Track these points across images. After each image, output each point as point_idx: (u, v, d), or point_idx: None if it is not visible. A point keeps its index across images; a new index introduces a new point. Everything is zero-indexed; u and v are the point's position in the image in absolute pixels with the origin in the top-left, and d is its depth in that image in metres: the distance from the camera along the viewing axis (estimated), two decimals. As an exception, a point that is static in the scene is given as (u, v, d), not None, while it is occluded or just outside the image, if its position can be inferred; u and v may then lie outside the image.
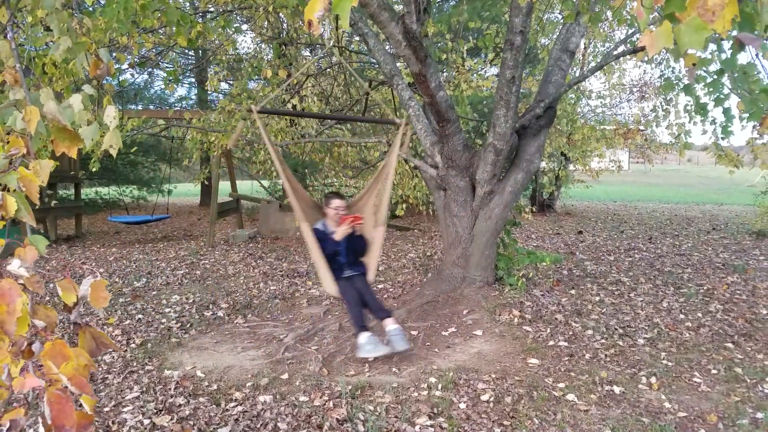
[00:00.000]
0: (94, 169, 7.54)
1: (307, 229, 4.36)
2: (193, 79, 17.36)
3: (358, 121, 6.15)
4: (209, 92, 15.32)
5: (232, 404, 3.56)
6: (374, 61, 6.52)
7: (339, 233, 4.40)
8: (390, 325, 4.30)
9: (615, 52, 5.95)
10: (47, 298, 5.89)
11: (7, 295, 1.33)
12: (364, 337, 4.20)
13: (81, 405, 1.32)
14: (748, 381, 3.80)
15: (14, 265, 1.43)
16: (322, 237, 4.43)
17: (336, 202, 4.56)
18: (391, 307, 4.78)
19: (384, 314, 4.39)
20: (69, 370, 1.31)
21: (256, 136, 8.11)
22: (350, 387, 3.70)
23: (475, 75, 8.69)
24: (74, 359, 1.34)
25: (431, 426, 3.23)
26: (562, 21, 6.27)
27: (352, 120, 6.12)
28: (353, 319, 4.36)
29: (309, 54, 11.19)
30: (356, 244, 4.58)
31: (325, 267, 4.33)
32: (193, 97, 17.88)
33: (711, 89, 3.60)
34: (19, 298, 1.33)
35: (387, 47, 5.87)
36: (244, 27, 11.09)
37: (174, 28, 4.99)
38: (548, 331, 4.73)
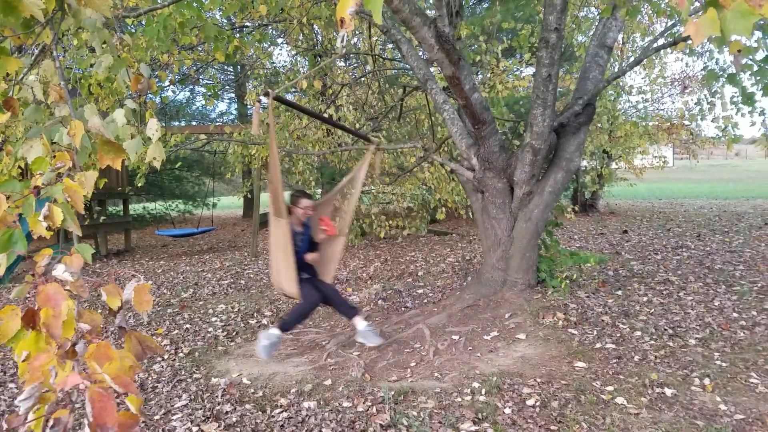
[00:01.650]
0: (140, 185, 7.76)
1: (285, 225, 4.28)
2: (232, 94, 17.72)
3: (346, 131, 6.28)
4: (248, 106, 15.59)
5: (278, 410, 3.60)
6: (408, 66, 6.53)
7: (319, 235, 4.55)
8: (360, 323, 4.50)
9: (654, 45, 5.81)
10: (97, 309, 6.08)
11: (53, 299, 1.36)
12: (273, 335, 4.44)
13: (127, 406, 1.35)
14: (809, 381, 3.63)
15: (59, 270, 1.48)
16: (293, 235, 4.46)
17: (305, 202, 4.59)
18: (356, 308, 4.81)
19: (353, 312, 4.58)
20: (113, 370, 1.32)
21: (295, 146, 8.22)
22: (393, 392, 3.69)
23: (510, 75, 8.61)
24: (118, 360, 1.36)
25: (476, 431, 3.19)
26: (598, 17, 6.16)
27: (343, 129, 6.24)
28: (292, 318, 4.51)
29: (343, 64, 11.29)
30: (312, 248, 4.71)
31: (294, 266, 4.30)
32: (233, 111, 18.25)
33: (758, 78, 3.48)
34: (65, 301, 1.37)
35: (420, 52, 5.87)
36: (280, 40, 11.26)
37: (212, 44, 5.11)
38: (594, 333, 4.63)
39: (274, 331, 4.48)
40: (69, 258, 1.52)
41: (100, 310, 6.08)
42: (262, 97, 3.72)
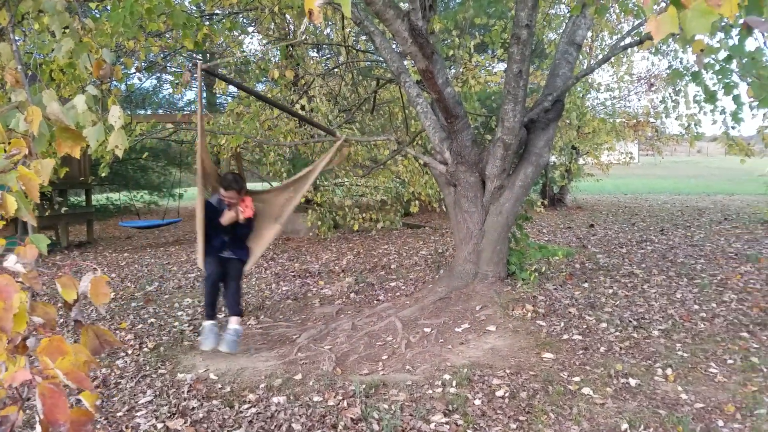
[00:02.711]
0: (104, 175, 7.58)
1: (200, 201, 4.26)
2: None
3: (306, 121, 6.24)
4: (217, 95, 15.36)
5: (246, 406, 3.57)
6: (381, 59, 6.51)
7: (225, 218, 4.45)
8: (233, 324, 4.43)
9: (622, 44, 5.90)
10: (53, 301, 5.93)
11: (4, 291, 1.28)
12: (206, 327, 4.42)
13: (78, 402, 1.30)
14: (765, 370, 3.75)
15: (11, 261, 1.42)
16: (212, 211, 4.44)
17: (224, 193, 4.44)
18: (241, 309, 4.80)
19: (234, 311, 4.52)
20: (66, 365, 1.27)
21: (266, 137, 8.13)
22: (364, 386, 3.69)
23: (482, 70, 8.65)
24: (72, 355, 1.30)
25: (446, 423, 3.21)
26: (568, 14, 6.23)
27: (299, 117, 6.18)
28: (204, 301, 4.52)
29: (316, 54, 11.21)
30: (240, 230, 4.61)
31: (203, 240, 4.29)
32: (202, 100, 17.93)
33: (720, 77, 3.56)
34: (16, 293, 1.31)
35: (394, 45, 5.86)
36: (251, 29, 11.11)
37: (180, 32, 5.00)
38: (562, 325, 4.70)
39: (205, 326, 4.45)
40: (22, 249, 1.46)
41: (61, 304, 5.93)
42: (191, 70, 3.65)
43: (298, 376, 3.98)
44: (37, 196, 1.56)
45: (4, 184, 1.54)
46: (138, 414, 3.52)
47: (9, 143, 1.63)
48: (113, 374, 4.19)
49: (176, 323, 5.40)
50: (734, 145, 8.71)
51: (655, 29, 1.40)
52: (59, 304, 1.59)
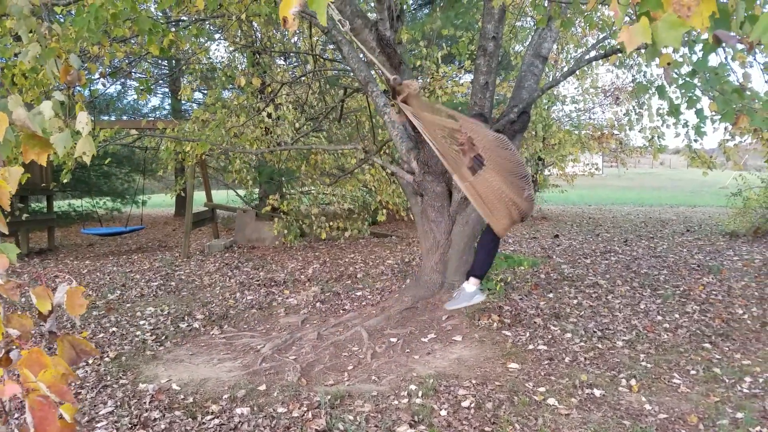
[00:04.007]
0: (66, 181, 7.38)
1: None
2: (166, 89, 17.18)
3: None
4: (183, 102, 15.16)
5: (209, 417, 3.49)
6: (349, 68, 6.51)
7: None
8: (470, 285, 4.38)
9: (587, 57, 6.01)
10: (20, 311, 5.73)
11: None
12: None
13: (60, 415, 1.28)
14: (727, 381, 3.83)
15: None
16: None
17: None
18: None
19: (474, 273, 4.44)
20: (48, 378, 1.27)
21: (232, 144, 8.03)
22: (329, 397, 3.64)
23: (449, 81, 8.72)
24: (52, 367, 1.30)
25: (412, 434, 3.19)
26: (534, 27, 6.33)
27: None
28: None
29: (283, 62, 11.15)
30: None
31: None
32: (167, 106, 17.68)
33: (683, 91, 3.64)
34: None
35: (361, 55, 5.86)
36: (217, 36, 11.01)
37: (146, 38, 4.91)
38: (527, 335, 4.73)
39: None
40: None
41: (20, 311, 5.74)
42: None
43: (262, 387, 3.91)
44: (8, 204, 1.52)
45: None
46: (99, 425, 3.41)
47: None
48: (73, 384, 4.05)
49: (138, 332, 5.27)
50: (696, 157, 8.93)
51: (627, 39, 1.41)
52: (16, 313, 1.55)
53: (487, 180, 3.79)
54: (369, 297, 6.27)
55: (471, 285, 4.35)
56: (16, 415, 3.14)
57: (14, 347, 1.39)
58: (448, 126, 3.96)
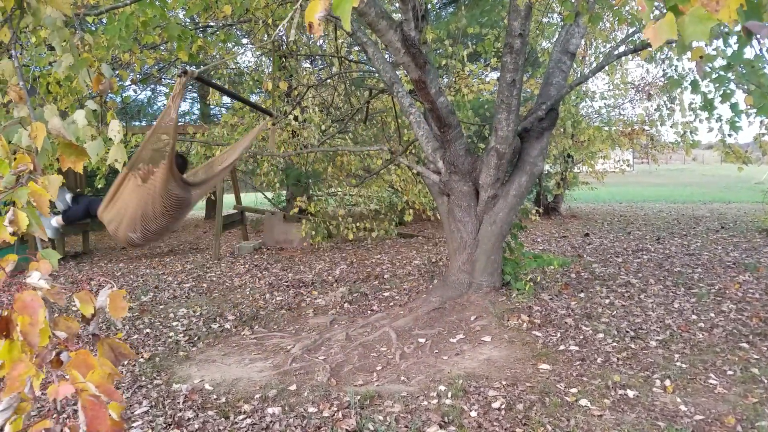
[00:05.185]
0: (100, 186, 7.56)
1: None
2: (195, 94, 17.43)
3: (246, 103, 6.15)
4: (211, 106, 15.37)
5: (241, 417, 3.53)
6: (374, 69, 6.53)
7: None
8: None
9: (616, 52, 5.92)
10: (57, 314, 5.88)
11: (30, 306, 1.34)
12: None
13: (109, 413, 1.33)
14: (766, 382, 3.73)
15: (34, 277, 1.44)
16: None
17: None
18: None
19: None
20: (96, 378, 1.32)
21: (260, 148, 8.12)
22: (359, 397, 3.66)
23: (475, 79, 8.67)
24: (98, 368, 1.35)
25: (442, 435, 3.18)
26: (561, 23, 6.25)
27: (242, 101, 6.07)
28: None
29: (309, 65, 11.23)
30: None
31: None
32: (196, 111, 17.94)
33: (717, 85, 3.57)
34: (41, 309, 1.33)
35: (386, 55, 5.87)
36: (244, 40, 11.14)
37: (175, 44, 5.01)
38: (558, 335, 4.68)
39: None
40: (37, 264, 1.48)
41: (65, 316, 5.88)
42: (181, 76, 3.61)
43: (293, 387, 3.94)
44: (47, 211, 1.58)
45: (12, 200, 1.55)
46: (134, 425, 3.48)
47: (14, 159, 1.64)
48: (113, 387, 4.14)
49: (171, 333, 5.36)
50: (731, 153, 8.72)
51: (653, 36, 1.39)
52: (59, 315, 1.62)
53: (133, 187, 3.85)
54: (396, 297, 6.27)
55: (55, 221, 4.69)
56: (54, 415, 3.21)
57: (63, 349, 1.44)
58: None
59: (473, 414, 3.41)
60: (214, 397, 3.86)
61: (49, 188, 1.63)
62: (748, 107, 3.20)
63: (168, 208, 3.97)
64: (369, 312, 5.81)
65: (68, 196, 4.83)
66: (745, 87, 3.16)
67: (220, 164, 4.57)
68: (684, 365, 4.04)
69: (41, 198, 1.55)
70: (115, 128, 2.20)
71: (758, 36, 1.63)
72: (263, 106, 7.91)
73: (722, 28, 2.87)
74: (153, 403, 3.79)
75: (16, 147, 1.80)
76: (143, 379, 4.25)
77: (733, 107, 3.80)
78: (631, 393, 3.62)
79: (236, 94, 6.46)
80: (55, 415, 1.40)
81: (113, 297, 1.60)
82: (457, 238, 5.63)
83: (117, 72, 6.45)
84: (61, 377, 1.33)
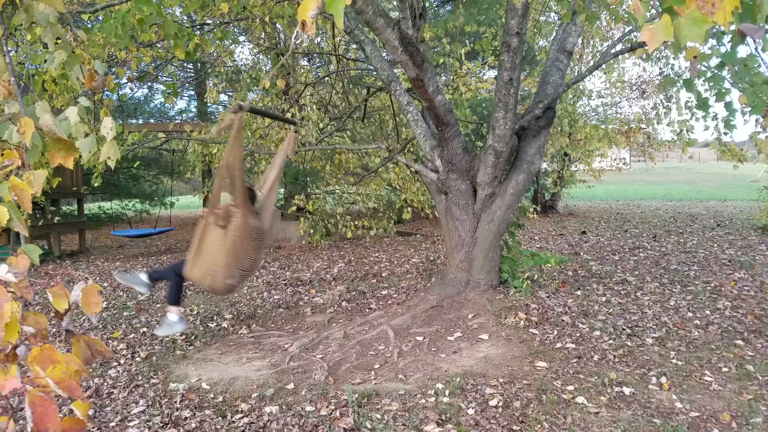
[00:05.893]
0: (96, 184, 7.54)
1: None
2: (192, 92, 17.40)
3: (279, 119, 6.28)
4: (209, 104, 15.34)
5: (238, 416, 3.53)
6: (372, 67, 6.52)
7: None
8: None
9: (613, 51, 5.93)
10: (46, 311, 5.88)
11: None
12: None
13: (71, 411, 1.30)
14: (760, 378, 3.75)
15: (2, 271, 1.41)
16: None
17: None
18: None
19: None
20: (57, 374, 1.27)
21: (257, 146, 8.11)
22: (357, 395, 3.66)
23: (473, 78, 8.67)
24: (63, 364, 1.31)
25: (439, 433, 3.19)
26: (558, 21, 6.26)
27: (280, 119, 6.19)
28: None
29: (307, 63, 11.21)
30: None
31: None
32: (193, 109, 17.91)
33: (711, 84, 3.58)
34: (8, 303, 1.30)
35: (384, 54, 5.87)
36: (242, 38, 11.12)
37: (172, 42, 4.99)
38: (555, 333, 4.69)
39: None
40: (14, 259, 1.46)
41: (53, 313, 5.88)
42: (233, 113, 3.68)
43: (291, 386, 3.94)
44: (30, 206, 1.56)
45: None
46: (131, 424, 3.48)
47: (2, 154, 1.62)
48: (106, 384, 4.14)
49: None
50: (727, 151, 8.74)
51: (649, 38, 1.40)
52: (51, 314, 1.60)
53: (218, 236, 4.05)
54: (394, 296, 6.28)
55: (173, 314, 4.68)
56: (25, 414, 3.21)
57: (25, 343, 1.41)
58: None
59: (471, 412, 3.42)
60: (211, 396, 3.86)
61: (34, 184, 1.61)
62: (743, 106, 3.21)
63: (254, 241, 4.15)
64: (367, 310, 5.82)
65: (143, 276, 4.75)
66: (740, 86, 3.17)
67: (265, 187, 4.64)
68: (680, 362, 4.06)
69: (23, 193, 1.53)
70: (107, 125, 2.19)
71: (753, 38, 1.63)
72: (261, 104, 7.92)
73: (717, 27, 2.88)
74: (149, 403, 3.79)
75: (7, 143, 1.79)
76: (140, 378, 4.24)
77: (728, 106, 3.81)
78: (627, 390, 3.63)
79: (273, 114, 6.57)
80: (9, 412, 1.35)
81: (86, 292, 1.56)
82: (455, 236, 5.63)
83: (114, 70, 6.44)
84: (26, 376, 1.31)
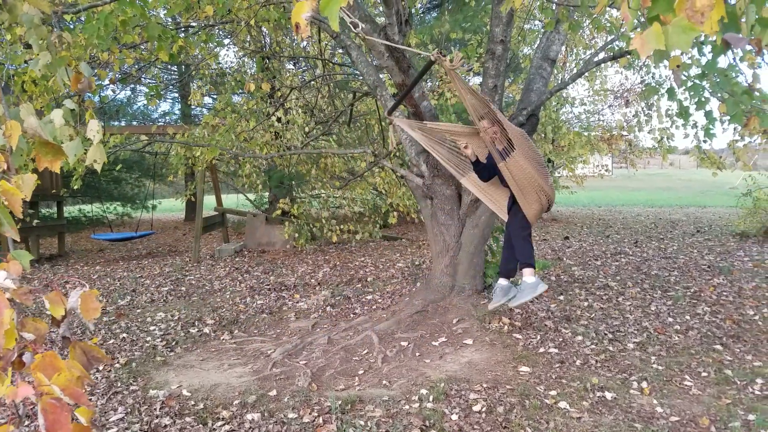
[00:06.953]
0: (76, 187, 7.45)
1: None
2: (176, 94, 17.29)
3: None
4: (193, 107, 15.25)
5: (219, 423, 3.50)
6: (358, 72, 6.53)
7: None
8: (528, 276, 4.22)
9: (596, 59, 6.00)
10: (35, 316, 5.78)
11: None
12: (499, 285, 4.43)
13: (76, 418, 1.29)
14: (739, 383, 3.80)
15: (0, 277, 1.39)
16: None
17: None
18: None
19: (523, 263, 4.29)
20: (62, 381, 1.27)
21: (242, 149, 8.07)
22: (340, 402, 3.65)
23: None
24: (66, 371, 1.31)
25: (423, 439, 3.18)
26: (542, 30, 6.32)
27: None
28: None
29: (292, 67, 11.19)
30: (481, 174, 4.45)
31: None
32: (177, 112, 17.80)
33: (692, 93, 3.63)
34: (7, 310, 1.29)
35: (370, 59, 5.87)
36: (227, 41, 11.07)
37: (155, 44, 4.95)
38: (538, 338, 4.72)
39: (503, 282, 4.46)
40: (6, 265, 1.44)
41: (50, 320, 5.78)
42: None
43: (273, 392, 3.92)
44: (20, 211, 1.54)
45: None
46: (108, 433, 3.44)
47: None
48: (83, 390, 4.08)
49: (149, 338, 5.30)
50: (706, 158, 8.88)
51: (640, 46, 1.41)
52: (47, 320, 1.58)
53: (519, 164, 3.88)
54: (379, 301, 6.27)
55: (530, 276, 4.24)
56: (26, 422, 3.16)
57: (28, 351, 1.40)
58: (456, 131, 4.10)
59: (454, 417, 3.42)
60: (192, 403, 3.82)
61: (23, 188, 1.59)
62: (722, 115, 3.26)
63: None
64: (351, 315, 5.80)
65: (503, 282, 4.50)
66: (720, 95, 3.22)
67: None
68: (660, 367, 4.09)
69: (14, 197, 1.52)
70: (94, 128, 2.17)
71: (734, 47, 1.66)
72: (246, 107, 7.88)
73: (698, 37, 2.93)
74: (129, 410, 3.74)
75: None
76: (119, 384, 4.19)
77: (707, 115, 3.87)
78: (609, 395, 3.66)
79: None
80: (17, 420, 1.34)
81: (85, 298, 1.55)
82: (440, 241, 5.65)
83: (96, 71, 6.37)
84: (26, 381, 1.30)
